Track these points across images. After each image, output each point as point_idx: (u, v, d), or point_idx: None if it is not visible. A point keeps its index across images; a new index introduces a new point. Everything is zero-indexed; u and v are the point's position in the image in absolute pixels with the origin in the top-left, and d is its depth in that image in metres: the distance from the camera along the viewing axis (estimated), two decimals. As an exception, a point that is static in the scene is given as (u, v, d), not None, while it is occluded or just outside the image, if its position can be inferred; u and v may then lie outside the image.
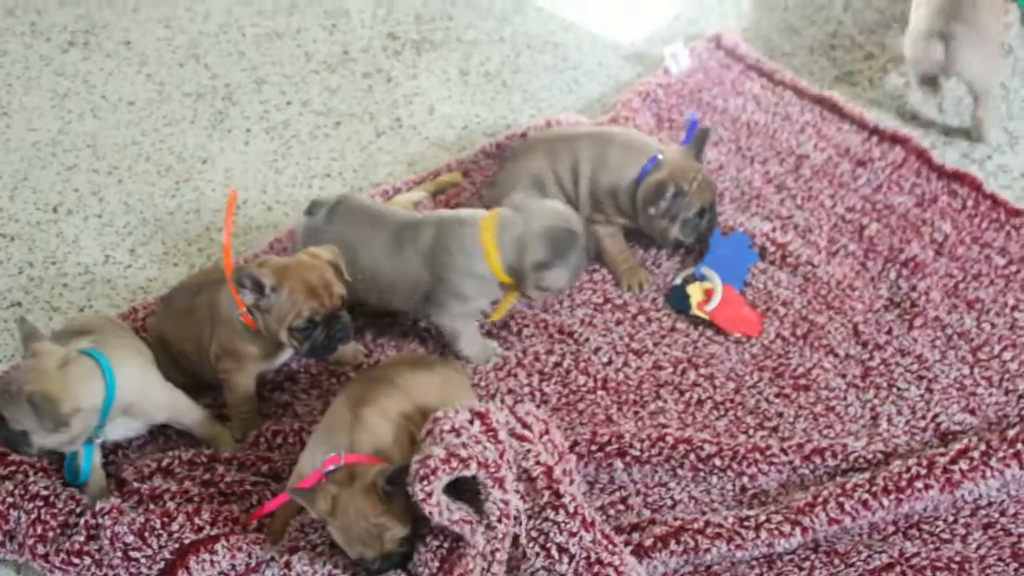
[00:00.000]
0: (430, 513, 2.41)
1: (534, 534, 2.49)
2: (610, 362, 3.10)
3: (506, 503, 2.47)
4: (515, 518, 2.49)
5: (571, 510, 2.49)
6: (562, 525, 2.48)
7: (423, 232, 2.99)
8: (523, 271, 2.94)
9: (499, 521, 2.47)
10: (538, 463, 2.55)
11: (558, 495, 2.51)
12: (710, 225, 3.24)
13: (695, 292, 3.19)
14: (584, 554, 2.45)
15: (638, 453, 2.81)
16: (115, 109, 4.04)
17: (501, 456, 2.53)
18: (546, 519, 2.49)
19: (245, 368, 2.86)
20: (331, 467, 2.47)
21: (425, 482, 2.40)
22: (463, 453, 2.45)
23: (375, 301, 3.09)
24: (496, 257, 2.93)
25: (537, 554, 2.47)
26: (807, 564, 2.64)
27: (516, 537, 2.50)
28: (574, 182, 3.26)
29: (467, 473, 2.44)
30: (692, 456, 2.81)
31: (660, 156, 3.19)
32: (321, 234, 3.02)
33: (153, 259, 3.51)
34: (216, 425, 2.91)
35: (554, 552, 2.46)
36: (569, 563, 2.45)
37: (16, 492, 2.71)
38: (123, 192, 3.74)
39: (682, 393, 3.03)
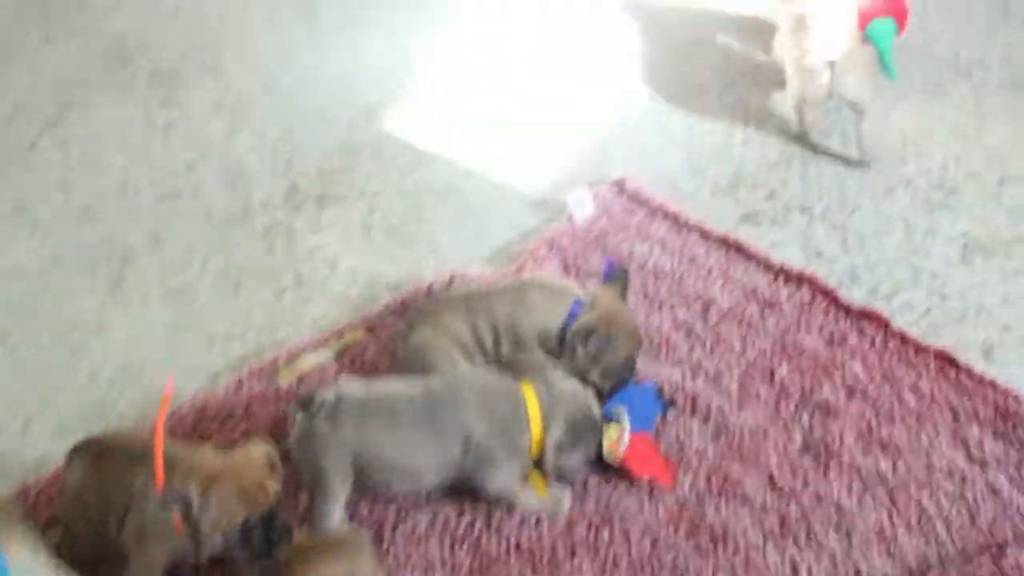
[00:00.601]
0: None
1: None
2: (522, 522, 3.06)
3: None
4: None
5: None
6: None
7: (464, 409, 2.98)
8: (544, 450, 3.01)
9: None
10: None
11: None
12: (630, 374, 3.26)
13: (608, 432, 3.15)
14: None
15: (550, 620, 2.76)
16: (7, 274, 3.98)
17: None
18: None
19: (156, 560, 2.78)
20: None
21: None
22: None
23: (404, 488, 3.04)
24: (537, 431, 2.98)
25: None
26: None
27: None
28: (495, 340, 3.25)
29: None
30: (607, 620, 2.76)
31: (585, 298, 3.25)
32: (328, 440, 2.93)
33: (46, 434, 3.43)
34: None
35: None
36: None
37: None
38: (14, 361, 3.68)
39: (597, 552, 3.00)
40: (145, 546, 2.77)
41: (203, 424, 3.37)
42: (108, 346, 3.71)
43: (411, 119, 4.53)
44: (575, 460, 3.05)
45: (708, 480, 3.14)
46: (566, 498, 3.08)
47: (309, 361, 3.52)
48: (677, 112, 4.41)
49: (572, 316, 3.22)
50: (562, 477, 3.08)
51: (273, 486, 2.73)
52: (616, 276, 3.31)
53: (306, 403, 2.96)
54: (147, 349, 3.69)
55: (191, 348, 3.69)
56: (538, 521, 3.06)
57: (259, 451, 2.76)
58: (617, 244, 3.85)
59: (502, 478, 3.01)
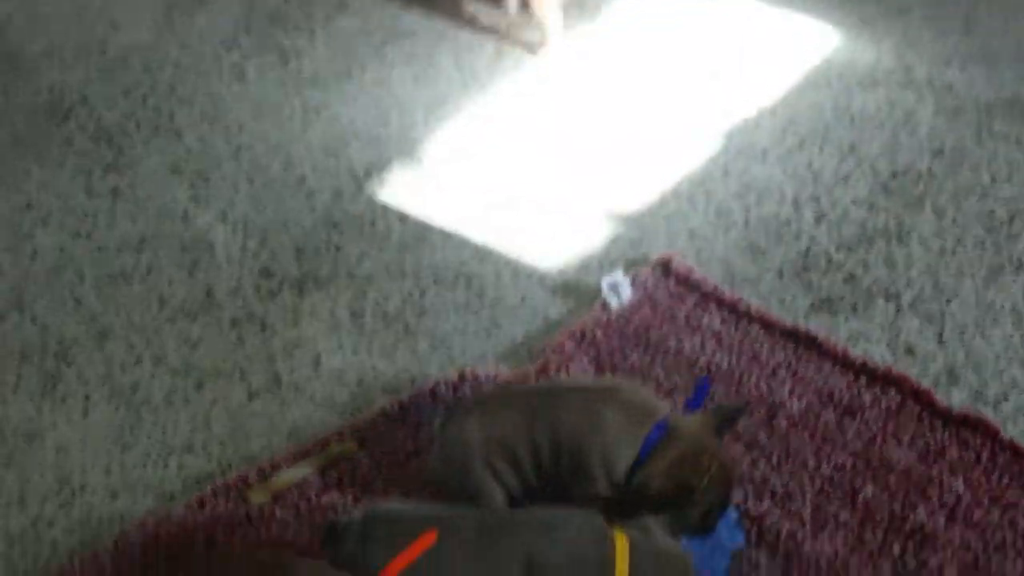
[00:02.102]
0: None
1: None
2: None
3: None
4: None
5: None
6: None
7: (528, 534, 2.95)
8: None
9: None
10: None
11: None
12: (713, 525, 3.19)
13: None
14: None
15: None
16: (-82, 375, 4.04)
17: None
18: None
19: None
20: None
21: None
22: None
23: None
24: None
25: None
26: None
27: None
28: (554, 457, 3.20)
29: None
30: None
31: (668, 424, 3.15)
32: (361, 568, 2.89)
33: (-36, 554, 3.46)
34: None
35: None
36: None
37: None
38: (-79, 495, 3.71)
39: None
40: None
41: (155, 555, 3.38)
42: (40, 459, 3.75)
43: (410, 188, 4.60)
44: None
45: (781, 624, 3.16)
46: None
47: (286, 477, 3.54)
48: (730, 181, 4.47)
49: (648, 446, 3.13)
50: None
51: None
52: (722, 412, 3.22)
53: (331, 533, 2.96)
54: (87, 463, 3.72)
55: (142, 462, 3.72)
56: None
57: None
58: (662, 338, 3.90)
59: None
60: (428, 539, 2.75)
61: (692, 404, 3.20)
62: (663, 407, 3.23)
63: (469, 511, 3.05)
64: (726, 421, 3.22)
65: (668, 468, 3.09)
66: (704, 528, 3.16)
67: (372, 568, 2.81)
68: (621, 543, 2.95)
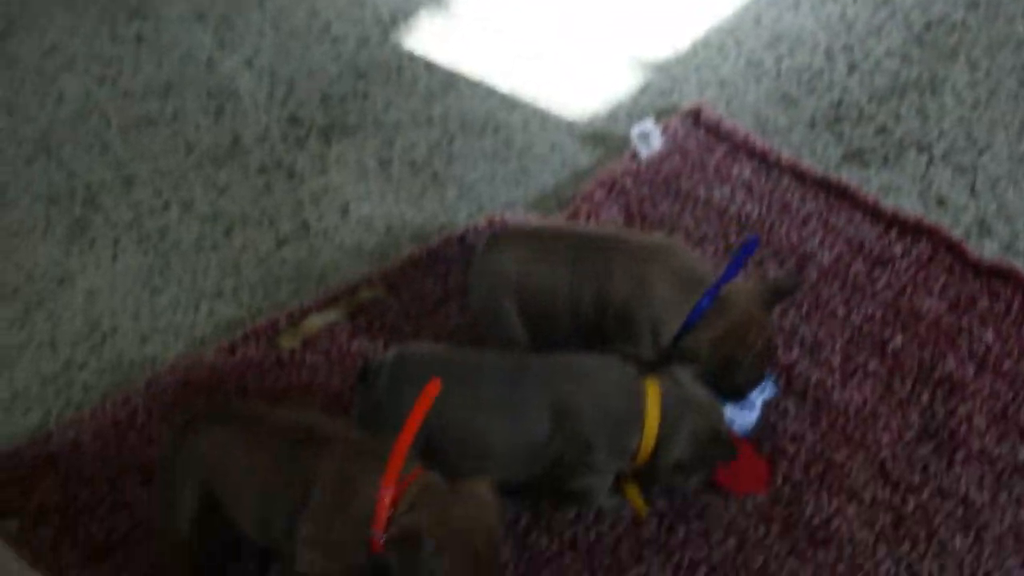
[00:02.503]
0: None
1: None
2: (579, 517, 3.10)
3: None
4: None
5: None
6: None
7: (561, 383, 2.97)
8: (656, 465, 2.99)
9: None
10: None
11: None
12: (745, 395, 3.22)
13: None
14: None
15: (616, 632, 2.80)
16: (-54, 218, 4.05)
17: None
18: None
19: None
20: None
21: None
22: None
23: (470, 470, 2.96)
24: (651, 439, 2.95)
25: None
26: None
27: None
28: (599, 313, 3.20)
29: None
30: (685, 633, 2.80)
31: (719, 292, 3.13)
32: (392, 410, 2.90)
33: (-3, 405, 3.49)
34: None
35: None
36: None
37: None
38: (-42, 323, 3.73)
39: (670, 555, 3.03)
40: (323, 551, 2.72)
41: (186, 399, 3.41)
42: (70, 303, 3.76)
43: (436, 36, 4.56)
44: (690, 481, 3.05)
45: (806, 470, 3.17)
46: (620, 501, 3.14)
47: (316, 322, 3.55)
48: (762, 30, 4.42)
49: (696, 314, 3.13)
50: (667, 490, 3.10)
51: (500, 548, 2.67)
52: (775, 286, 3.19)
53: (365, 375, 2.98)
54: (117, 307, 3.74)
55: (171, 307, 3.74)
56: (597, 517, 3.10)
57: (490, 498, 2.68)
58: (692, 187, 3.88)
59: (592, 479, 3.03)
60: (434, 388, 2.75)
61: (735, 264, 3.17)
62: (711, 273, 3.21)
63: (501, 355, 3.06)
64: (778, 295, 3.20)
65: (715, 339, 3.10)
66: (736, 396, 3.18)
67: (402, 409, 2.83)
68: (652, 392, 2.96)
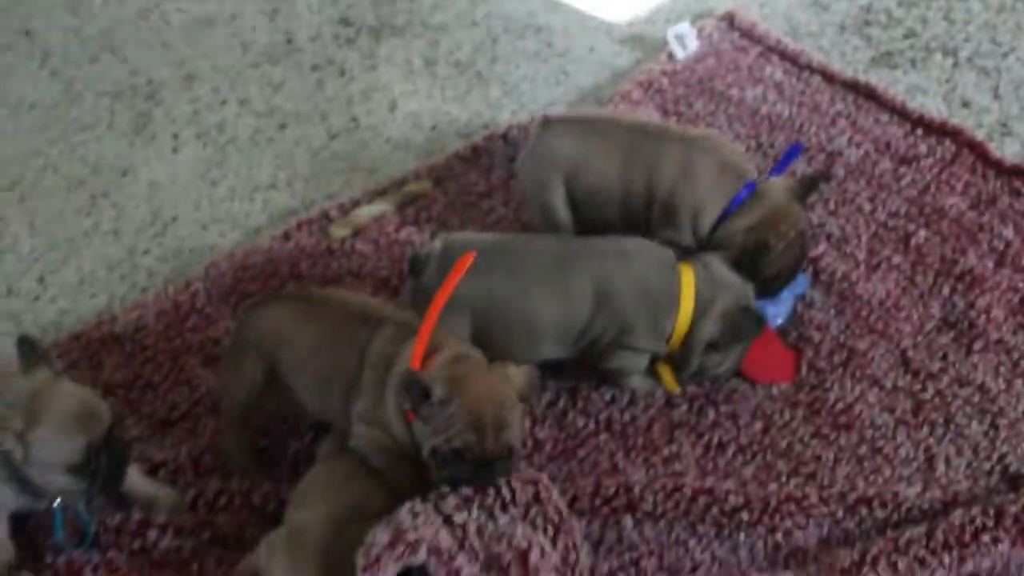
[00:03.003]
0: None
1: (512, 636, 2.46)
2: (614, 400, 3.12)
3: None
4: None
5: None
6: (546, 626, 2.44)
7: (604, 263, 2.98)
8: (689, 345, 2.99)
9: None
10: (510, 547, 2.51)
11: (539, 587, 2.47)
12: (777, 290, 3.20)
13: None
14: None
15: (650, 507, 2.83)
16: (15, 113, 4.05)
17: (461, 544, 2.50)
18: None
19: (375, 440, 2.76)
20: None
21: (368, 573, 2.40)
22: (411, 536, 2.43)
23: (521, 353, 3.00)
24: (685, 319, 2.96)
25: None
26: (855, 635, 2.65)
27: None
28: (645, 195, 3.18)
29: (415, 561, 2.42)
30: (715, 509, 2.82)
31: (757, 185, 3.13)
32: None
33: (66, 289, 3.52)
34: (152, 484, 2.91)
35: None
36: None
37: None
38: (26, 211, 3.76)
39: (700, 435, 3.05)
40: (378, 427, 2.73)
41: (243, 284, 3.43)
42: (133, 194, 3.78)
43: (482, -61, 4.53)
44: (723, 364, 3.05)
45: (830, 357, 3.18)
46: (657, 384, 3.15)
47: (365, 213, 3.57)
48: (797, -63, 4.39)
49: (734, 204, 3.12)
50: (699, 376, 3.10)
51: (515, 421, 2.58)
52: (807, 181, 3.15)
53: (414, 263, 2.99)
54: (178, 198, 3.76)
55: (229, 198, 3.76)
56: (631, 400, 3.12)
57: (520, 378, 2.62)
58: (725, 88, 3.87)
59: (629, 357, 3.03)
60: (467, 259, 2.75)
61: (781, 165, 3.17)
62: (751, 167, 3.20)
63: (545, 239, 3.08)
64: (810, 189, 3.17)
65: (749, 228, 3.09)
66: (768, 291, 3.17)
67: (457, 297, 2.84)
68: (687, 275, 2.97)
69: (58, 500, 2.71)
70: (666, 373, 3.09)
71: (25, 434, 2.56)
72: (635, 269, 2.98)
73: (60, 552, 2.78)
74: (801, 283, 3.28)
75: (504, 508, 2.57)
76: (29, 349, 2.67)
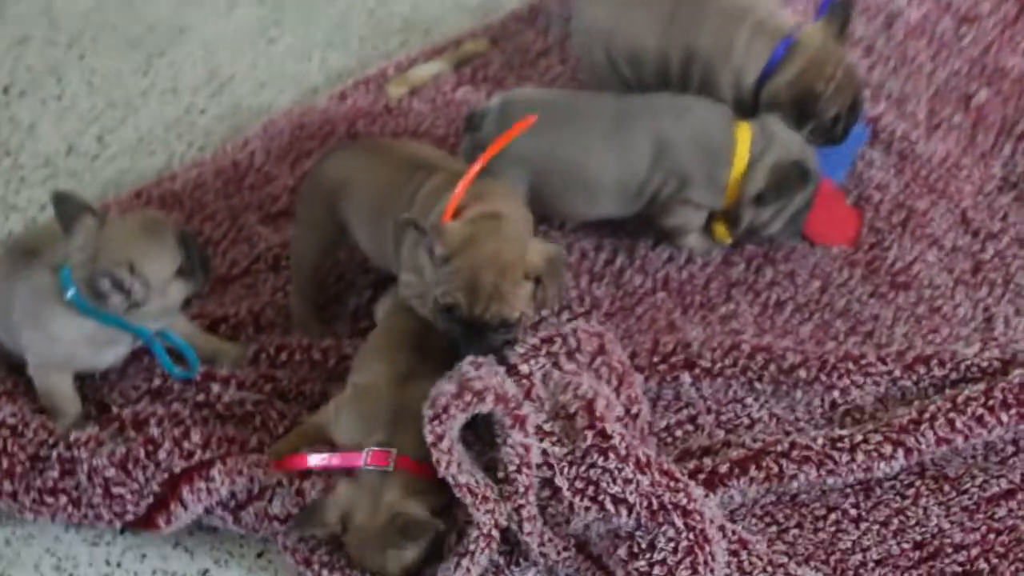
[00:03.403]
0: (437, 461, 2.37)
1: (580, 484, 2.40)
2: (671, 258, 3.06)
3: (526, 448, 2.41)
4: (549, 466, 2.42)
5: (622, 452, 2.40)
6: (614, 472, 2.39)
7: (661, 117, 2.91)
8: (739, 199, 2.92)
9: (519, 471, 2.41)
10: (577, 396, 2.48)
11: (604, 435, 2.42)
12: (846, 130, 3.08)
13: None
14: (644, 501, 2.38)
15: (708, 364, 2.77)
16: (73, -31, 3.97)
17: (528, 393, 2.48)
18: (592, 465, 2.40)
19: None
20: (370, 467, 2.43)
21: (436, 423, 2.37)
22: (477, 385, 2.40)
23: (578, 211, 2.98)
24: (739, 171, 2.89)
25: (587, 508, 2.39)
26: (911, 492, 2.61)
27: (558, 489, 2.42)
28: (685, 61, 3.06)
29: (483, 409, 2.40)
30: (772, 367, 2.77)
31: (795, 38, 3.01)
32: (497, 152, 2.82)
33: (125, 148, 3.46)
34: (213, 339, 2.88)
35: (608, 505, 2.38)
36: (629, 514, 2.38)
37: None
38: (85, 69, 3.68)
39: (758, 294, 2.99)
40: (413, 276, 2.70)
41: (300, 142, 3.37)
42: (190, 53, 3.71)
43: None
44: (775, 223, 2.97)
45: (889, 217, 3.10)
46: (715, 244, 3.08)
47: (422, 72, 3.49)
48: None
49: (773, 62, 3.00)
50: (753, 235, 3.02)
51: (514, 295, 2.49)
52: (837, 10, 3.04)
53: (472, 120, 2.91)
54: (234, 57, 3.68)
55: (285, 57, 3.68)
56: (689, 258, 3.05)
57: (537, 258, 2.52)
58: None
59: (688, 213, 2.96)
60: (527, 121, 2.71)
61: (820, 13, 3.06)
62: (792, 23, 3.07)
63: (604, 96, 2.98)
64: (845, 21, 3.05)
65: (792, 80, 2.98)
66: (835, 136, 3.06)
67: (508, 152, 2.77)
68: (743, 129, 2.90)
69: (153, 332, 2.69)
70: (720, 227, 3.01)
71: (131, 260, 2.53)
72: (693, 122, 2.90)
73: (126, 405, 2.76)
74: (860, 136, 3.19)
75: (570, 357, 2.54)
76: (66, 203, 2.61)
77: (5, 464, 2.61)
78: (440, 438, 2.37)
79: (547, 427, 2.44)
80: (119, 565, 2.59)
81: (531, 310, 2.51)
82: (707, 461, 2.61)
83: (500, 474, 2.43)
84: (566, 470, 2.41)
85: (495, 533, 2.38)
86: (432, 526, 2.38)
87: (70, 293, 2.57)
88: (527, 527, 2.41)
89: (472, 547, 2.37)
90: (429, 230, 2.46)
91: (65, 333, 2.62)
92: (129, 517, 2.58)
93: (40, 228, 2.95)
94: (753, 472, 2.57)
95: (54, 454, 2.62)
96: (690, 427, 2.74)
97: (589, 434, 2.41)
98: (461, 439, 2.44)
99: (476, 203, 2.57)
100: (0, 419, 2.67)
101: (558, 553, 2.44)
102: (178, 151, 3.44)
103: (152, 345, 2.71)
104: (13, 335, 2.70)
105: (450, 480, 2.37)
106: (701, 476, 2.55)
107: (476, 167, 2.61)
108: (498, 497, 2.40)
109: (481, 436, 2.51)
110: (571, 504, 2.39)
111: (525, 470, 2.40)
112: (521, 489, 2.40)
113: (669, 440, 2.70)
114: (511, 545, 2.46)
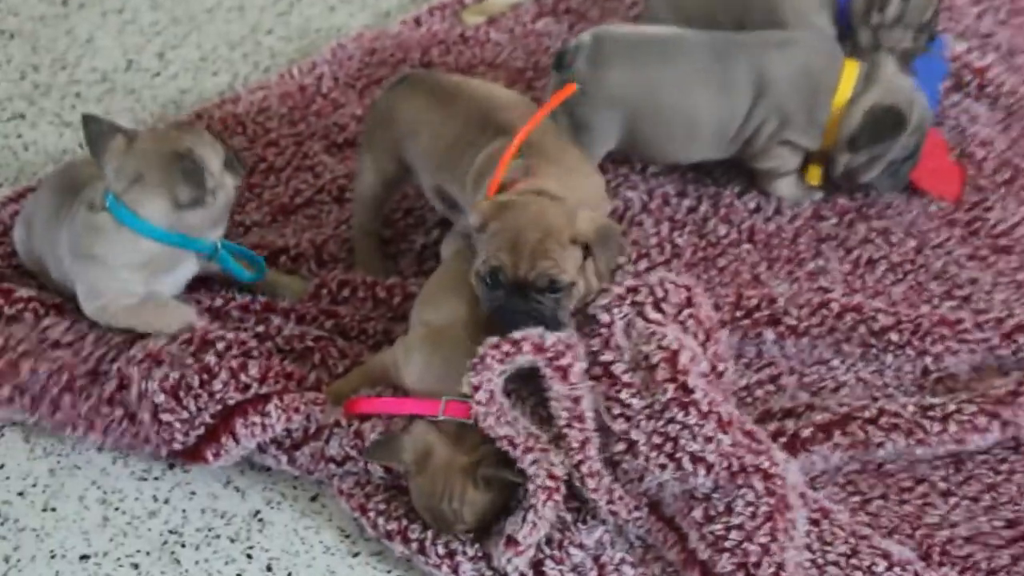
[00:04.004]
0: (475, 412, 2.36)
1: (657, 440, 2.37)
2: (758, 209, 3.03)
3: (575, 401, 2.39)
4: (626, 418, 2.40)
5: (704, 408, 2.38)
6: (694, 429, 2.36)
7: (765, 52, 2.88)
8: (835, 143, 2.90)
9: (569, 426, 2.39)
10: (661, 347, 2.44)
11: (686, 389, 2.39)
12: (931, 36, 3.07)
13: None
14: (724, 462, 2.35)
15: (794, 322, 2.74)
16: None
17: (607, 342, 2.46)
18: (671, 420, 2.37)
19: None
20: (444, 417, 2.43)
21: (473, 373, 2.36)
22: (516, 335, 2.39)
23: (674, 153, 2.95)
24: (839, 109, 2.86)
25: (663, 465, 2.37)
26: (1004, 467, 2.57)
27: (633, 443, 2.40)
28: (743, 9, 3.07)
29: (521, 360, 2.39)
30: (862, 328, 2.73)
31: None
32: (590, 85, 2.80)
33: (187, 66, 3.46)
34: (272, 271, 2.88)
35: (686, 463, 2.36)
36: (707, 474, 2.35)
37: (31, 337, 2.68)
38: (147, -15, 3.68)
39: (849, 251, 2.95)
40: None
41: (371, 69, 3.36)
42: (259, -32, 3.70)
43: None
44: (871, 169, 2.92)
45: (994, 175, 3.06)
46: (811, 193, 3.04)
47: (501, 0, 3.47)
48: None
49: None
50: (851, 182, 2.98)
51: (559, 255, 2.44)
52: None
53: (561, 58, 2.85)
54: (305, -26, 3.67)
55: (356, -20, 3.67)
56: (777, 209, 3.01)
57: (586, 225, 2.47)
58: None
59: (784, 156, 2.93)
60: (568, 89, 2.70)
61: None
62: None
63: (701, 32, 2.94)
64: None
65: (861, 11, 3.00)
66: (927, 39, 3.05)
67: (602, 91, 2.77)
68: (851, 67, 2.87)
69: (218, 244, 2.70)
70: (814, 169, 2.98)
71: (190, 147, 2.56)
72: (797, 56, 2.87)
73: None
74: (941, 69, 3.16)
75: (656, 307, 2.50)
76: (96, 125, 2.61)
77: (64, 378, 2.61)
78: (477, 388, 2.35)
79: (626, 377, 2.41)
80: (167, 502, 2.58)
81: (581, 281, 2.47)
82: (789, 424, 2.58)
83: (554, 430, 2.41)
84: (643, 423, 2.38)
85: (550, 483, 2.34)
86: (513, 475, 2.36)
87: (121, 214, 2.57)
88: (590, 483, 2.38)
89: (533, 500, 2.34)
90: (465, 207, 2.46)
91: (126, 261, 2.62)
92: (176, 446, 2.57)
93: (79, 162, 2.93)
94: (838, 438, 2.53)
95: (114, 368, 2.61)
96: (771, 387, 2.71)
97: (670, 387, 2.38)
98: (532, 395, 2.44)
99: (524, 180, 2.55)
100: (56, 337, 2.68)
101: (628, 512, 2.41)
102: (242, 72, 3.44)
103: (217, 255, 2.71)
104: (64, 271, 2.72)
105: (489, 432, 2.36)
106: (782, 440, 2.52)
107: (518, 141, 2.58)
108: (545, 447, 2.37)
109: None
110: (647, 459, 2.37)
111: (576, 424, 2.39)
112: (575, 444, 2.38)
113: (749, 400, 2.67)
114: (580, 502, 2.43)
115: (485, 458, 2.38)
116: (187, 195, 2.55)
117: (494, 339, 2.39)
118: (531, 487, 2.34)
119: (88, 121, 2.60)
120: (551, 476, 2.34)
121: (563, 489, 2.36)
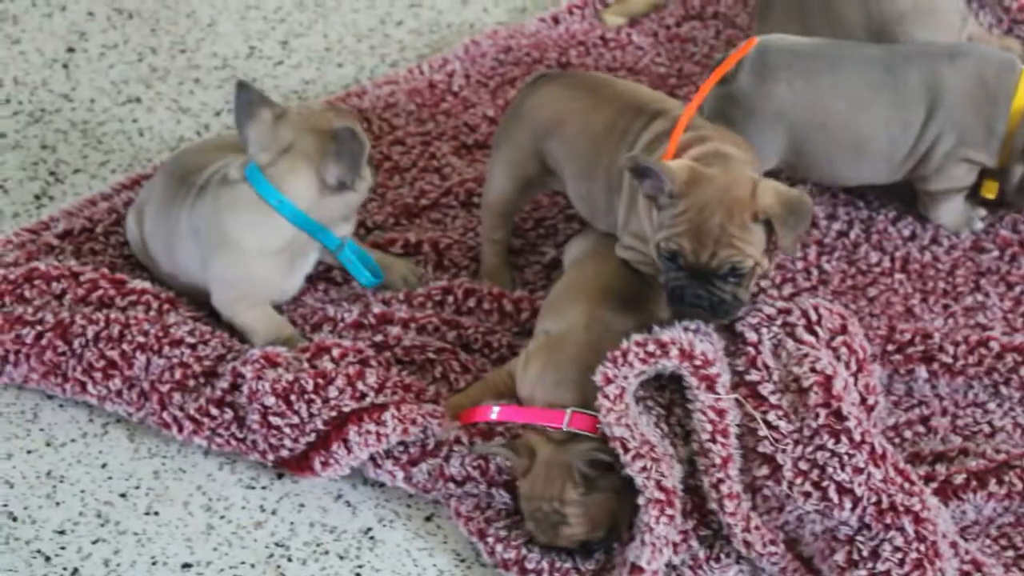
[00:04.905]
0: (600, 407, 2.37)
1: (804, 466, 2.38)
2: (913, 236, 3.01)
3: (720, 414, 2.39)
4: (773, 441, 2.40)
5: (856, 437, 2.37)
6: (844, 458, 2.36)
7: (937, 63, 2.87)
8: (1010, 155, 2.88)
9: (712, 440, 2.38)
10: (814, 370, 2.44)
11: (839, 416, 2.39)
12: None
13: None
14: (873, 497, 2.34)
15: (950, 360, 2.72)
16: None
17: (753, 362, 2.46)
18: (821, 447, 2.37)
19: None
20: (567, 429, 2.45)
21: (611, 365, 2.38)
22: (664, 337, 2.40)
23: (841, 173, 2.95)
24: (1016, 119, 2.85)
25: (807, 494, 2.36)
26: None
27: (778, 468, 2.40)
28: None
29: (666, 364, 2.40)
30: (1023, 371, 2.70)
31: None
32: (754, 100, 2.82)
33: (311, 56, 3.50)
34: (378, 253, 2.93)
35: (832, 493, 2.35)
36: (853, 508, 2.34)
37: (152, 333, 2.71)
38: (270, -26, 3.73)
39: (1011, 286, 2.92)
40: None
41: (505, 68, 3.39)
42: (383, -32, 3.73)
43: None
44: None
45: None
46: (979, 217, 3.01)
47: (644, 1, 3.49)
48: None
49: None
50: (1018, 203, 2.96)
51: (744, 240, 2.45)
52: None
53: (731, 73, 2.85)
54: (437, -37, 3.70)
55: (493, -31, 3.69)
56: (934, 238, 2.99)
57: (770, 199, 2.47)
58: None
59: (960, 174, 2.90)
60: (750, 43, 2.75)
61: None
62: None
63: (871, 45, 2.93)
64: None
65: None
66: None
67: (766, 104, 2.80)
68: None
69: (345, 243, 2.77)
70: (989, 183, 2.95)
71: (350, 126, 2.64)
72: (970, 67, 2.85)
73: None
74: None
75: (809, 330, 2.51)
76: (247, 92, 2.68)
77: (178, 375, 2.65)
78: (610, 381, 2.37)
79: (774, 399, 2.42)
80: (274, 513, 2.61)
81: (765, 260, 2.48)
82: (940, 468, 2.56)
83: (695, 445, 2.42)
84: (790, 448, 2.39)
85: (659, 495, 2.33)
86: (617, 468, 2.37)
87: (263, 187, 2.64)
88: (728, 505, 2.38)
89: (645, 517, 2.34)
90: (654, 166, 2.43)
91: (261, 245, 2.69)
92: (284, 453, 2.59)
93: (192, 149, 2.98)
94: (993, 487, 2.51)
95: (228, 367, 2.65)
96: (921, 428, 2.69)
97: (822, 412, 2.39)
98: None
99: (700, 142, 2.56)
100: (178, 336, 2.71)
101: (763, 545, 2.39)
102: (368, 65, 3.47)
103: (340, 253, 2.76)
104: (178, 263, 2.79)
105: (606, 430, 2.37)
106: (932, 485, 2.50)
107: (695, 103, 2.62)
108: (657, 457, 2.36)
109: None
110: (790, 486, 2.37)
111: (720, 438, 2.39)
112: (718, 461, 2.38)
113: (897, 441, 2.65)
114: (713, 536, 2.43)
115: (584, 454, 2.39)
116: (337, 175, 2.61)
117: (641, 336, 2.41)
118: (641, 501, 2.34)
119: (240, 87, 2.68)
120: (660, 487, 2.34)
121: (677, 504, 2.36)
